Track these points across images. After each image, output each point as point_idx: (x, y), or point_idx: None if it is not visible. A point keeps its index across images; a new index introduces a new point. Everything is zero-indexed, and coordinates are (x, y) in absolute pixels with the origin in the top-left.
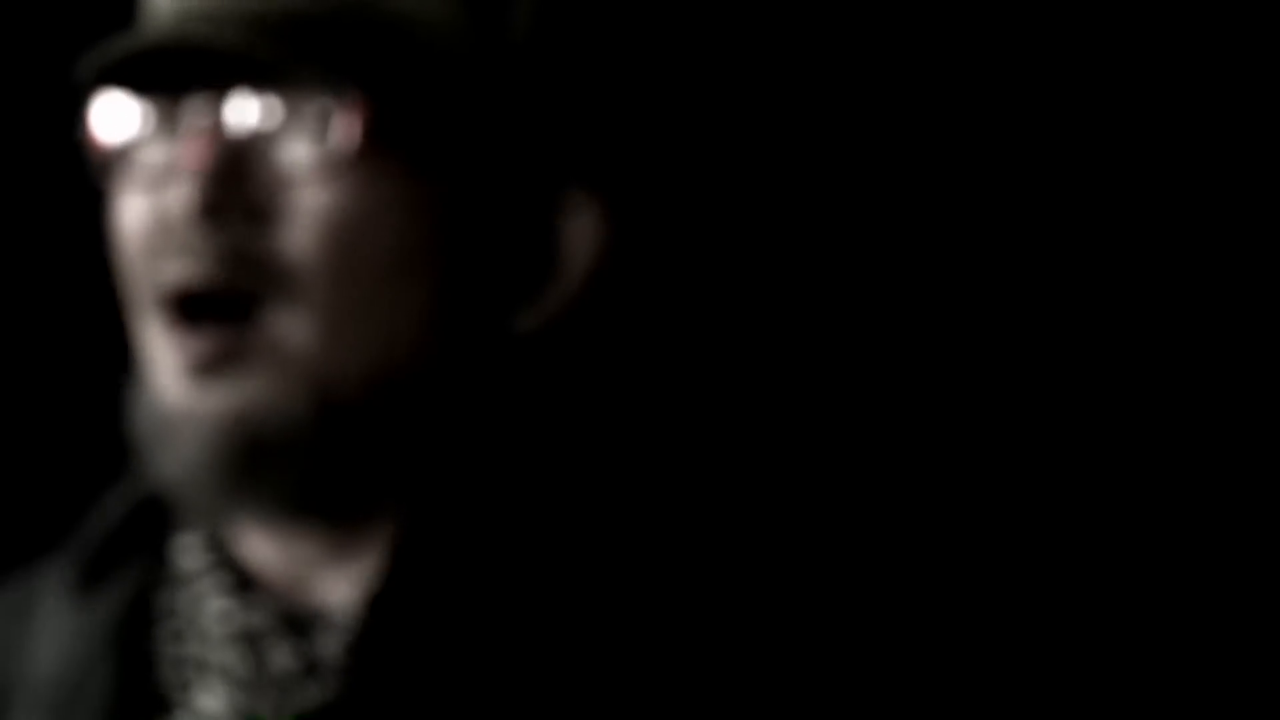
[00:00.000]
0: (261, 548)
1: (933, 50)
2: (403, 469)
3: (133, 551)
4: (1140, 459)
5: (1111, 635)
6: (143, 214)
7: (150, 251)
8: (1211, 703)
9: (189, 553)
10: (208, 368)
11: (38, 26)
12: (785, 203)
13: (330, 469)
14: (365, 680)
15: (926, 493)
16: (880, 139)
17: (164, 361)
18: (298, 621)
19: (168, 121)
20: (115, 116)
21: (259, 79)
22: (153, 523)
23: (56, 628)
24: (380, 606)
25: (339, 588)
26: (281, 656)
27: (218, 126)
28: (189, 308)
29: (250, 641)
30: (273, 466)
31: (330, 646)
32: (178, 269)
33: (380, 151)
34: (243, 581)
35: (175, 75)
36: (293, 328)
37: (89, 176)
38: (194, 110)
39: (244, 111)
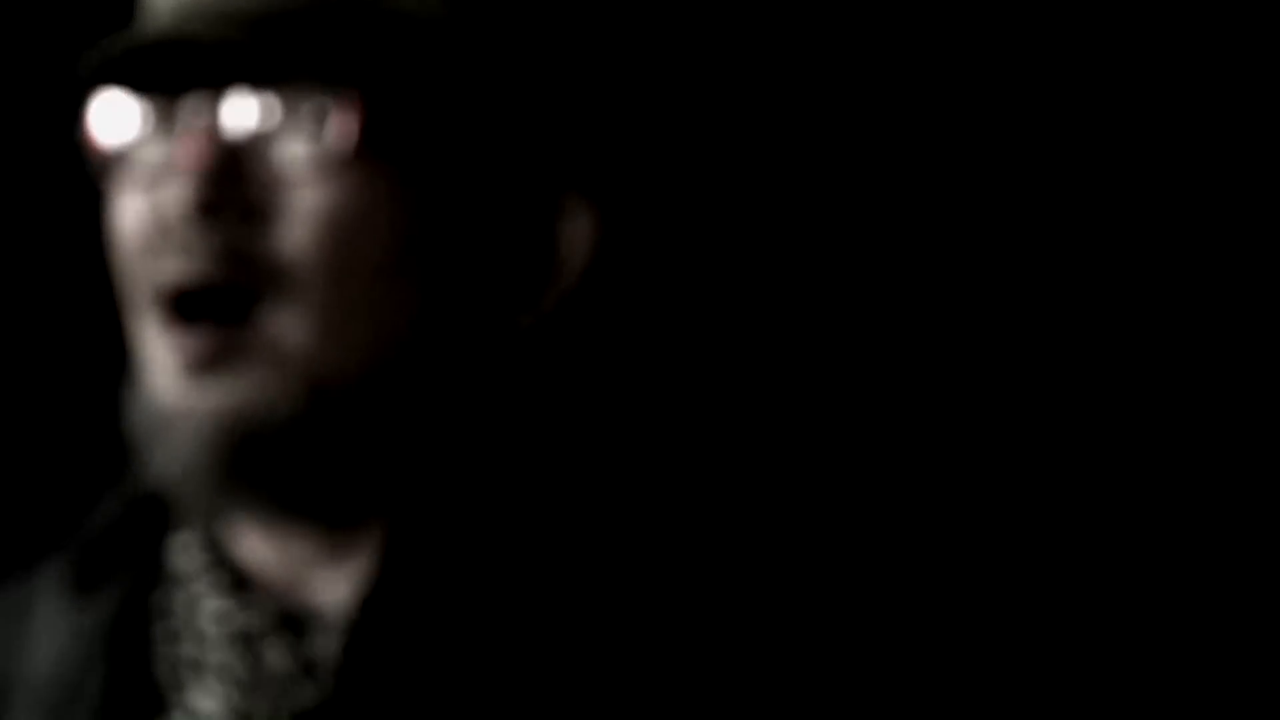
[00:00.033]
0: (257, 547)
1: (928, 51)
2: (397, 467)
3: (130, 552)
4: (1140, 459)
5: (1111, 635)
6: (140, 213)
7: (147, 250)
8: (1211, 703)
9: (185, 553)
10: (204, 366)
11: (37, 26)
12: (779, 204)
13: (326, 467)
14: (360, 680)
15: (924, 491)
16: (873, 142)
17: (161, 360)
18: (294, 621)
19: (165, 120)
20: (114, 115)
21: (256, 78)
22: (150, 523)
23: (54, 627)
24: (373, 606)
25: (334, 587)
26: (278, 656)
27: (214, 125)
28: (185, 306)
29: (246, 641)
30: (268, 464)
31: (326, 646)
32: (174, 267)
33: (376, 151)
34: (239, 581)
35: (173, 74)
36: (289, 326)
37: (87, 175)
38: (191, 109)
39: (241, 110)
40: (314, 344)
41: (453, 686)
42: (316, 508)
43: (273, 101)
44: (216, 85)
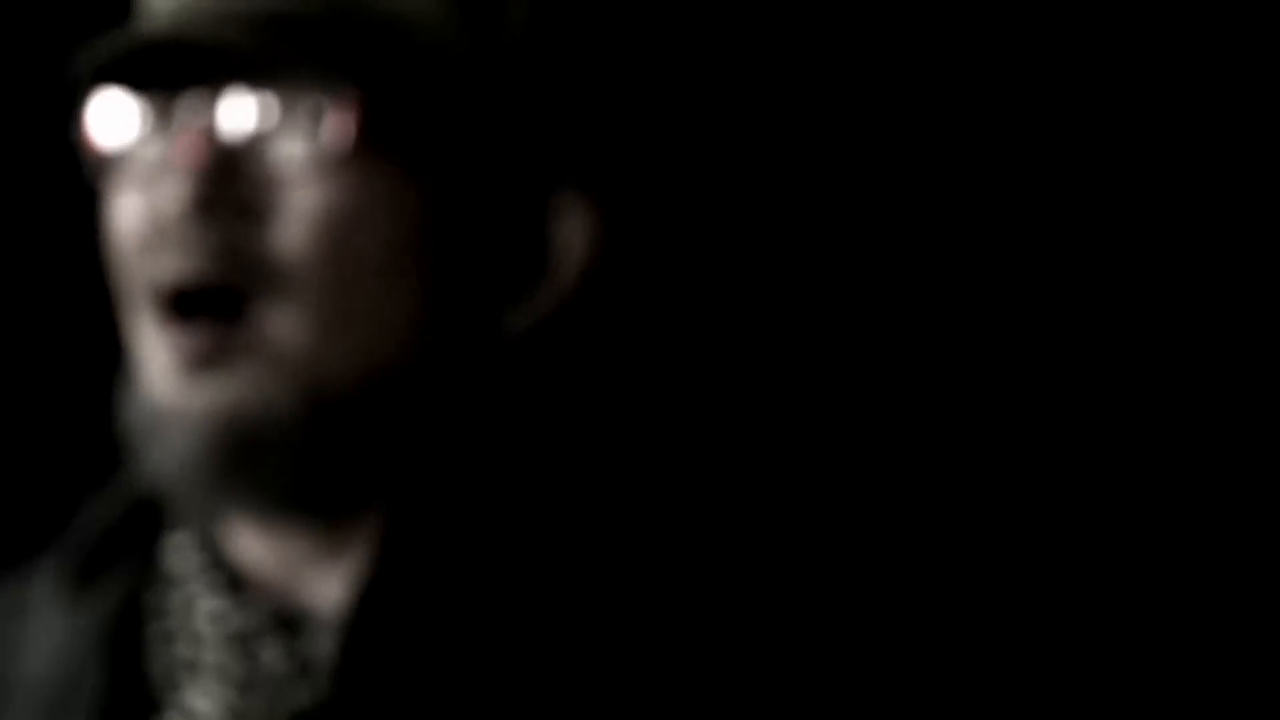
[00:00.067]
0: (252, 546)
1: (928, 50)
2: (392, 466)
3: (125, 551)
4: (1140, 459)
5: (1111, 635)
6: (137, 211)
7: (144, 248)
8: (1211, 703)
9: (180, 552)
10: (200, 364)
11: (35, 24)
12: (776, 203)
13: (321, 465)
14: (356, 680)
15: (921, 491)
16: (871, 140)
17: (156, 358)
18: (289, 621)
19: (163, 119)
20: (111, 115)
21: (253, 77)
22: (145, 523)
23: (50, 628)
24: (367, 605)
25: (329, 586)
26: (273, 657)
27: (211, 124)
28: (182, 304)
29: (242, 642)
30: (263, 462)
31: (322, 646)
32: (171, 265)
33: (373, 150)
34: (234, 581)
35: (170, 73)
36: (285, 325)
37: (81, 174)
38: (188, 108)
39: (238, 109)
40: (310, 343)
41: (448, 685)
42: (311, 506)
43: (270, 101)
44: (214, 83)
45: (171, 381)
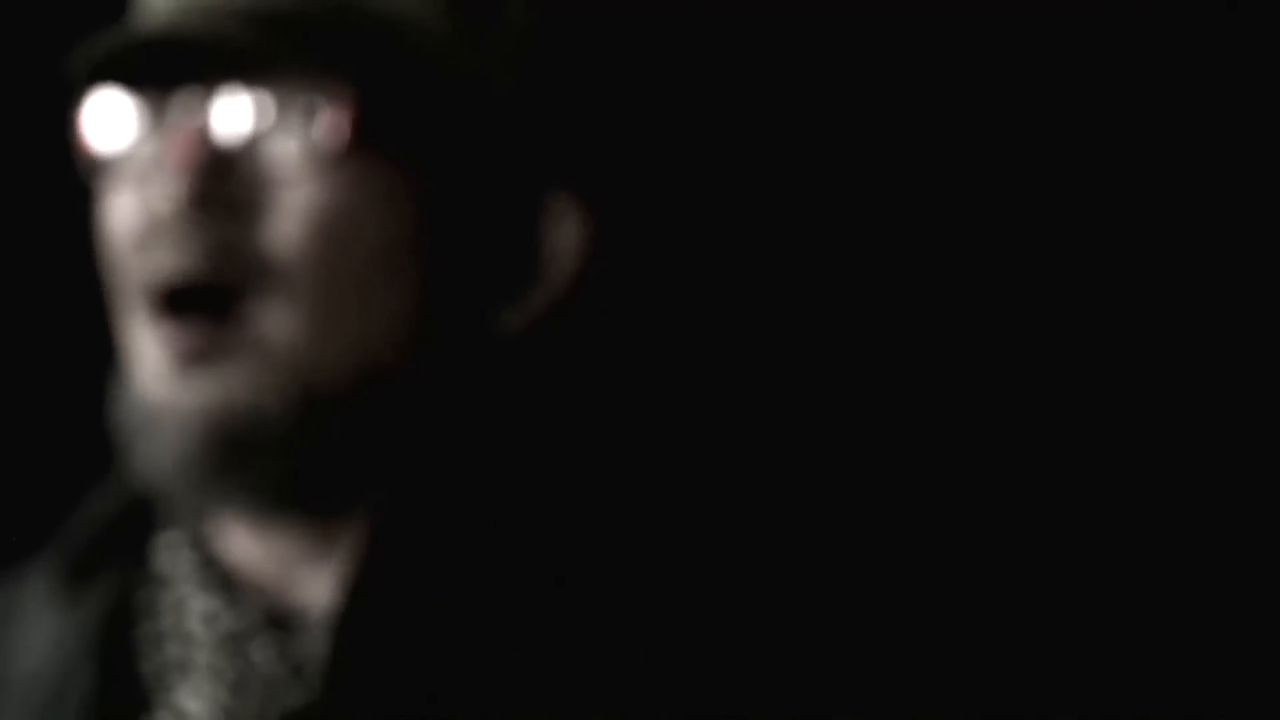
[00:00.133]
0: (244, 545)
1: (926, 50)
2: (382, 465)
3: (118, 551)
4: (1140, 460)
5: (1110, 635)
6: (131, 209)
7: (138, 246)
8: (1211, 703)
9: (172, 552)
10: (193, 361)
11: (32, 23)
12: (767, 205)
13: (312, 463)
14: (347, 680)
15: (912, 490)
16: (864, 145)
17: (149, 355)
18: (281, 621)
19: (157, 117)
20: (105, 113)
21: (248, 75)
22: (137, 522)
23: (43, 627)
24: (356, 604)
25: (320, 586)
26: (265, 657)
27: (206, 122)
28: (175, 301)
29: (234, 642)
30: (255, 460)
31: (313, 646)
32: (165, 263)
33: (367, 149)
34: (226, 581)
35: (165, 71)
36: (278, 322)
37: (74, 172)
38: (182, 106)
39: (232, 107)
40: (303, 340)
41: (439, 684)
42: (303, 504)
43: (265, 99)
44: (209, 82)
45: (164, 378)
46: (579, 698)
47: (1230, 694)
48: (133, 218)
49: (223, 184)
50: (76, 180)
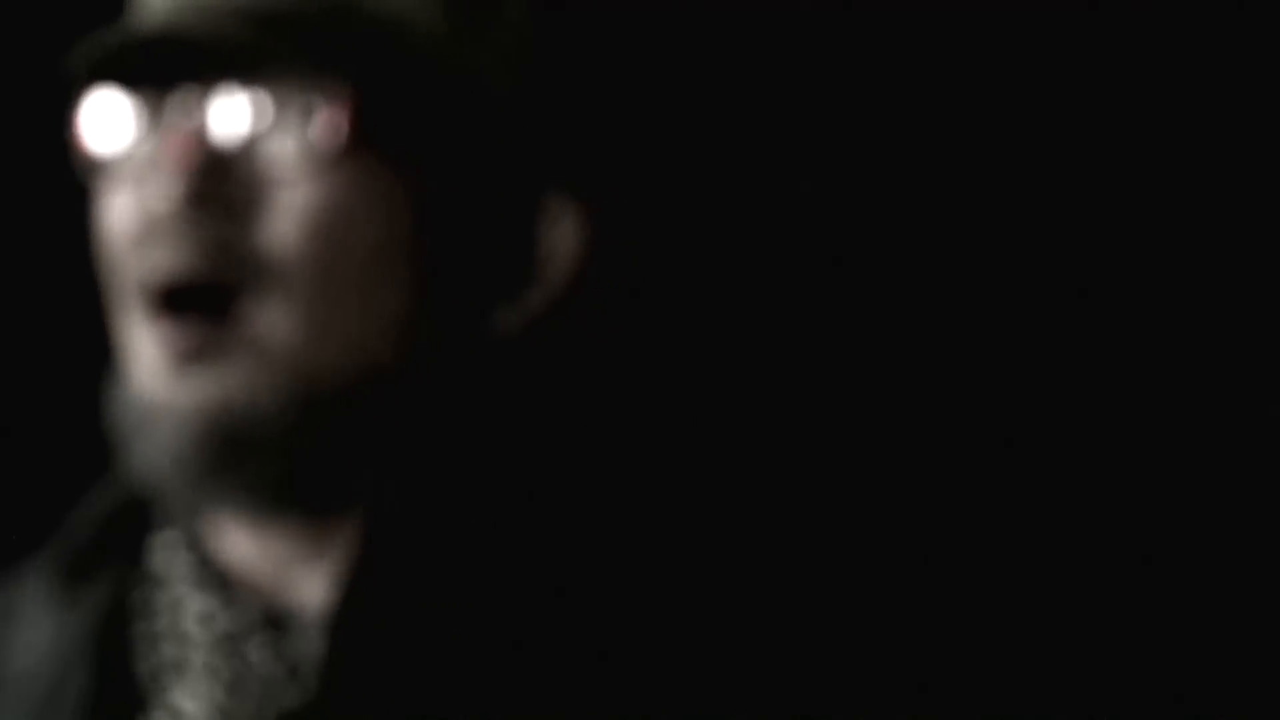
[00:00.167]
0: (240, 545)
1: (920, 51)
2: (377, 464)
3: (115, 551)
4: (1140, 460)
5: (1110, 636)
6: (128, 209)
7: (135, 245)
8: (1211, 703)
9: (168, 552)
10: (189, 359)
11: (30, 23)
12: (766, 208)
13: (308, 462)
14: (342, 680)
15: (912, 490)
16: (863, 146)
17: (146, 354)
18: (277, 620)
19: (154, 117)
20: (103, 113)
21: (246, 74)
22: (134, 522)
23: (39, 627)
24: (350, 604)
25: (316, 585)
26: (262, 656)
27: (203, 122)
28: (172, 300)
29: (231, 642)
30: (251, 459)
31: (309, 646)
32: (162, 262)
33: (365, 149)
34: (222, 581)
35: (162, 71)
36: (274, 321)
37: (70, 172)
38: (179, 105)
39: (229, 107)
40: (299, 340)
41: (435, 684)
42: (299, 503)
43: (262, 98)
44: (206, 82)
45: (161, 377)
46: (575, 696)
47: (1230, 694)
48: (130, 217)
49: (220, 184)
50: (74, 180)
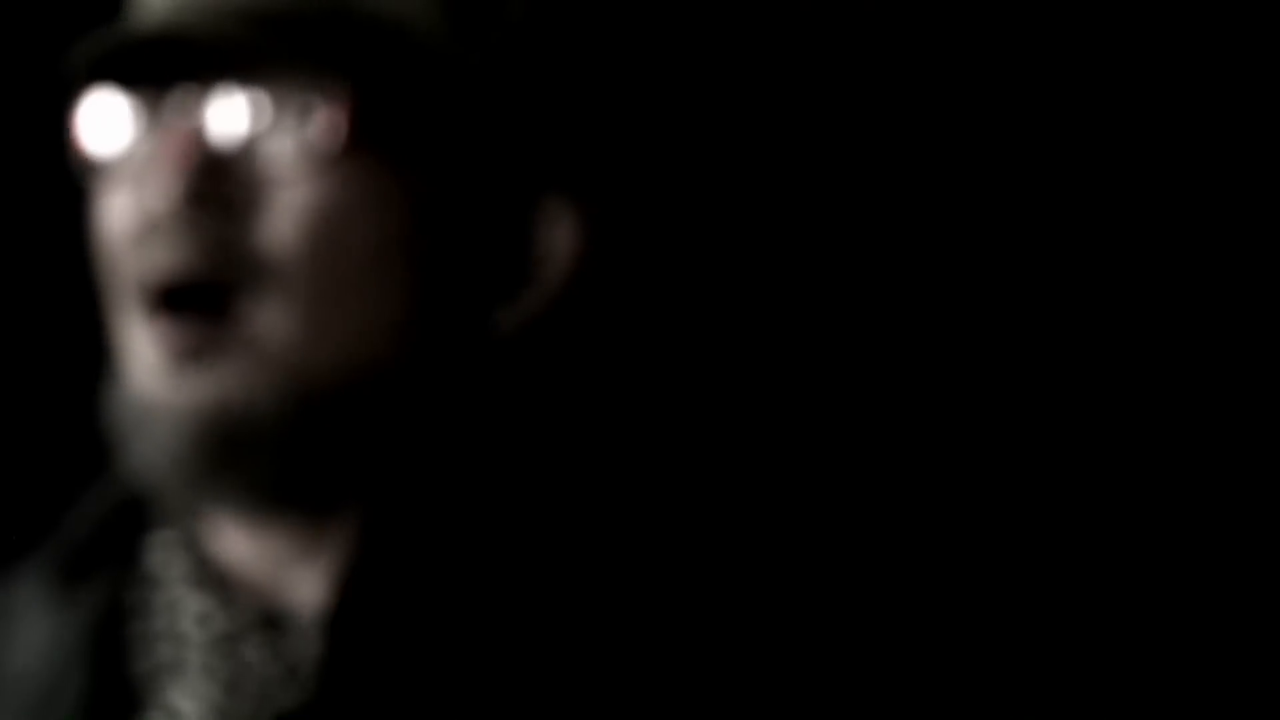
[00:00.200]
0: (237, 545)
1: (920, 51)
2: (374, 463)
3: (112, 551)
4: (1139, 460)
5: (1110, 636)
6: (127, 208)
7: (133, 244)
8: (1211, 703)
9: (165, 552)
10: (187, 358)
11: (29, 23)
12: (764, 208)
13: (305, 461)
14: (339, 680)
15: (913, 489)
16: (861, 146)
17: (143, 353)
18: (274, 620)
19: (153, 117)
20: (101, 113)
21: (244, 74)
22: (131, 522)
23: (36, 627)
24: (346, 604)
25: (313, 585)
26: (259, 656)
27: (201, 121)
28: (170, 299)
29: (228, 642)
30: (249, 458)
31: (306, 646)
32: (160, 261)
33: (363, 148)
34: (219, 581)
35: (161, 70)
36: (272, 321)
37: (67, 171)
38: (178, 104)
39: (227, 106)
40: (296, 339)
41: (432, 683)
42: (295, 502)
43: (260, 98)
44: (204, 81)
45: (158, 376)
46: (571, 695)
47: (1231, 694)
48: (128, 216)
49: (218, 183)
50: (72, 179)
